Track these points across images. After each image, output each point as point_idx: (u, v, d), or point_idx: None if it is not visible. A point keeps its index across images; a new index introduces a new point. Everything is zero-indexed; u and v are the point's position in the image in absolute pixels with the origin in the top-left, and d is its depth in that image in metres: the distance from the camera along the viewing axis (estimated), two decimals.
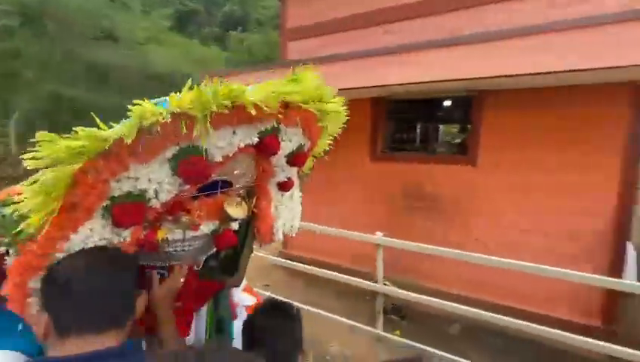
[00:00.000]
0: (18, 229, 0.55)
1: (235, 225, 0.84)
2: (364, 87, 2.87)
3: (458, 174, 3.30)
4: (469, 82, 2.69)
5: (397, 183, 3.61)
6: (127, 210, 0.61)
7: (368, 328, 2.77)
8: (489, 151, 3.14)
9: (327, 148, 0.98)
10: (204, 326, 1.04)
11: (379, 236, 2.61)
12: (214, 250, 0.87)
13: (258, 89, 0.68)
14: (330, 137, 0.96)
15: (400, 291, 2.60)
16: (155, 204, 0.64)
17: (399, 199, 3.60)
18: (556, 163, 2.88)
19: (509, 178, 3.06)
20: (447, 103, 3.71)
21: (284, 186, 0.92)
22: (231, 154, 0.70)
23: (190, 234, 0.75)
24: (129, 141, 0.56)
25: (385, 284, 2.70)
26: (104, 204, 0.59)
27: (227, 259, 0.97)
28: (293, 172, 0.92)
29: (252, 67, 3.90)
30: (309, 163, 0.99)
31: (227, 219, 0.80)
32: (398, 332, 2.89)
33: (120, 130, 0.56)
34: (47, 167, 0.53)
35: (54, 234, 0.56)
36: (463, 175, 3.27)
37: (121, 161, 0.58)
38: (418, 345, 2.52)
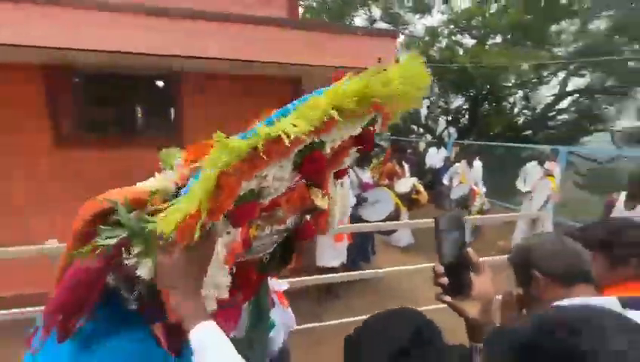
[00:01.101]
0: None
1: (308, 217, 0.85)
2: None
3: None
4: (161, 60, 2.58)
5: (100, 173, 3.01)
6: (246, 209, 0.59)
7: None
8: (194, 134, 3.20)
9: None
10: (245, 317, 1.00)
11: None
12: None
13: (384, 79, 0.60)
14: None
15: None
16: (265, 201, 0.63)
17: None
18: None
19: None
20: (151, 81, 3.44)
21: (340, 174, 0.89)
22: (336, 147, 0.67)
23: (275, 228, 0.75)
24: (304, 139, 0.55)
25: None
26: None
27: (281, 249, 0.93)
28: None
29: None
30: None
31: (306, 210, 0.81)
32: None
33: (299, 127, 0.53)
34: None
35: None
36: None
37: (265, 161, 0.55)
38: None
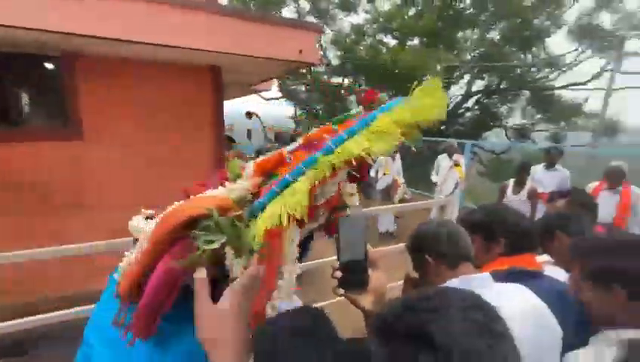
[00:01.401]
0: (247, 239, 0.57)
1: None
2: None
3: (63, 151, 2.74)
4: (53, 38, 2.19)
5: None
6: (310, 212, 0.62)
7: None
8: (96, 123, 2.81)
9: None
10: None
11: None
12: None
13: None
14: None
15: None
16: (319, 202, 0.67)
17: None
18: (171, 137, 3.10)
19: (124, 151, 2.92)
20: (38, 63, 2.89)
21: (353, 178, 0.88)
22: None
23: (309, 226, 0.76)
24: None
25: None
26: None
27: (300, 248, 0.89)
28: None
29: None
30: None
31: (335, 209, 0.81)
32: None
33: (379, 148, 0.61)
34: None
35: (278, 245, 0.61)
36: (70, 151, 2.75)
37: (342, 169, 0.62)
38: None
